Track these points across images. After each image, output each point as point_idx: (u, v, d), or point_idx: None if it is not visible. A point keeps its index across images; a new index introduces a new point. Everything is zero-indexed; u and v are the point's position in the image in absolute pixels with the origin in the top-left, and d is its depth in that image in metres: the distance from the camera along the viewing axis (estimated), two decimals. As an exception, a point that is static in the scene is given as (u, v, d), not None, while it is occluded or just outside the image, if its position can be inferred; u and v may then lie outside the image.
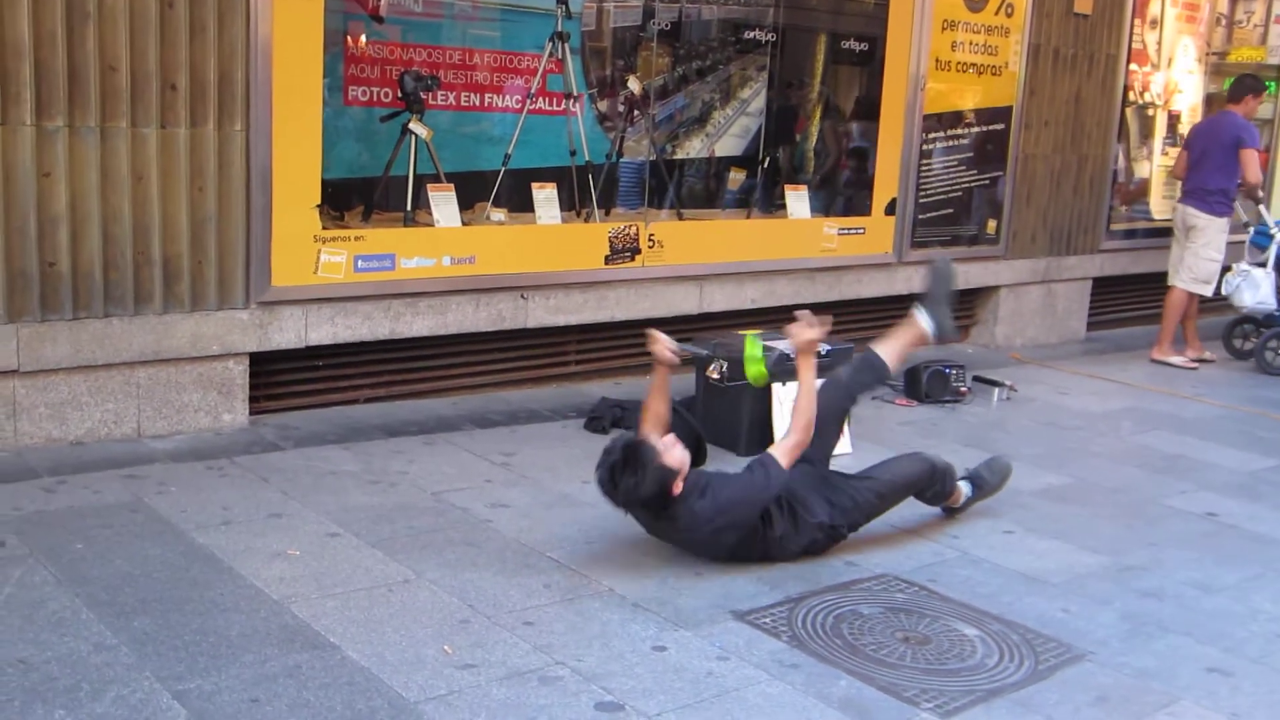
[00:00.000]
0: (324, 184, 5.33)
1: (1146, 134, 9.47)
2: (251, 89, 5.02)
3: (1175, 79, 9.57)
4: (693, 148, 6.97)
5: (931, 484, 4.54)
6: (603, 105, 6.49)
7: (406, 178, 5.76)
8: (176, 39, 4.82)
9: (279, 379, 5.53)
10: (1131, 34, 8.87)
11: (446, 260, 5.74)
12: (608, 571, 4.01)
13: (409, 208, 5.78)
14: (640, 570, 4.04)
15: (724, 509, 4.00)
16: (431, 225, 5.75)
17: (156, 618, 3.42)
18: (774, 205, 7.27)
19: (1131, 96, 9.11)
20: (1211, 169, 8.13)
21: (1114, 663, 3.63)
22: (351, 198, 5.67)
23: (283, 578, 3.76)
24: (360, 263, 5.46)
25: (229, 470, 4.74)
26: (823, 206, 7.45)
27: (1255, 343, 8.38)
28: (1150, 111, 9.43)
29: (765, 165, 7.24)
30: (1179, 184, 8.54)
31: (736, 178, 7.19)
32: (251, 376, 5.31)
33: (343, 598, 3.65)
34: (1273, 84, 10.63)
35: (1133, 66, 9.01)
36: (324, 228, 5.34)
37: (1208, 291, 8.26)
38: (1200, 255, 8.18)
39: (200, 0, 4.85)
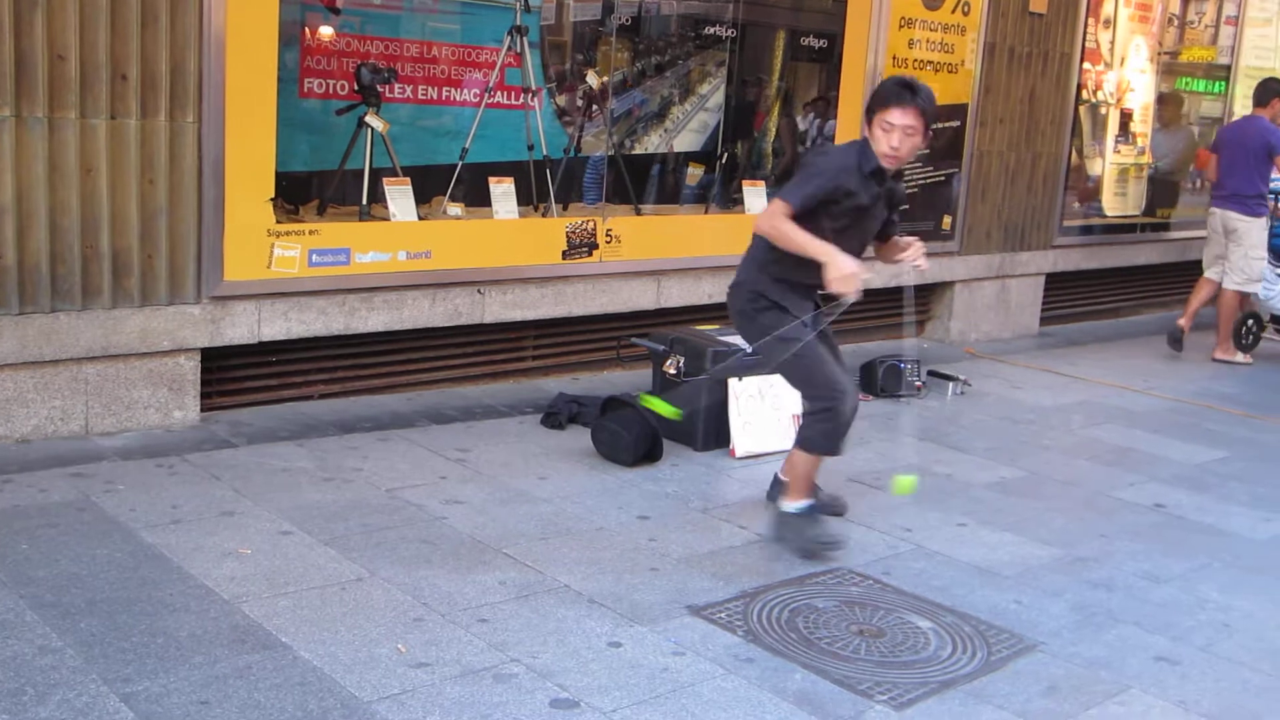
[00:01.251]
0: (278, 177, 5.27)
1: (1099, 132, 9.56)
2: (204, 80, 4.96)
3: (1128, 78, 9.68)
4: (651, 143, 6.96)
5: (818, 400, 4.26)
6: (561, 100, 6.47)
7: (362, 171, 5.72)
8: (127, 28, 4.75)
9: (231, 375, 5.47)
10: (1085, 33, 8.95)
11: (402, 255, 5.70)
12: (563, 568, 4.00)
13: (365, 202, 5.74)
14: (596, 566, 4.03)
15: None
16: (387, 219, 5.71)
17: (104, 619, 3.37)
18: (732, 201, 7.28)
19: (1085, 95, 9.20)
20: (1244, 175, 8.34)
21: (1065, 653, 3.66)
22: (306, 191, 5.63)
23: (234, 577, 3.72)
24: (314, 257, 5.42)
25: (179, 468, 4.68)
26: (780, 202, 7.45)
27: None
28: (1103, 110, 9.52)
29: (723, 161, 7.25)
30: (1210, 186, 8.75)
31: (695, 173, 7.19)
32: (203, 372, 5.25)
33: (295, 597, 3.62)
34: (1222, 84, 10.78)
35: (1086, 65, 9.09)
36: (278, 221, 5.29)
37: (1257, 289, 8.51)
38: (1250, 256, 8.40)
39: (151, -10, 4.80)
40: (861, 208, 4.24)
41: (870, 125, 4.22)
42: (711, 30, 7.04)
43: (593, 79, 6.53)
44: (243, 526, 4.13)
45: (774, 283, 4.32)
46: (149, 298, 4.98)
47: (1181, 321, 8.63)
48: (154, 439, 4.99)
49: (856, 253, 4.25)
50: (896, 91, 4.14)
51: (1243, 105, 10.79)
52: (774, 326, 4.28)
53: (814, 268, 4.14)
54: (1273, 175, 8.46)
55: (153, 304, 4.99)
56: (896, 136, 4.12)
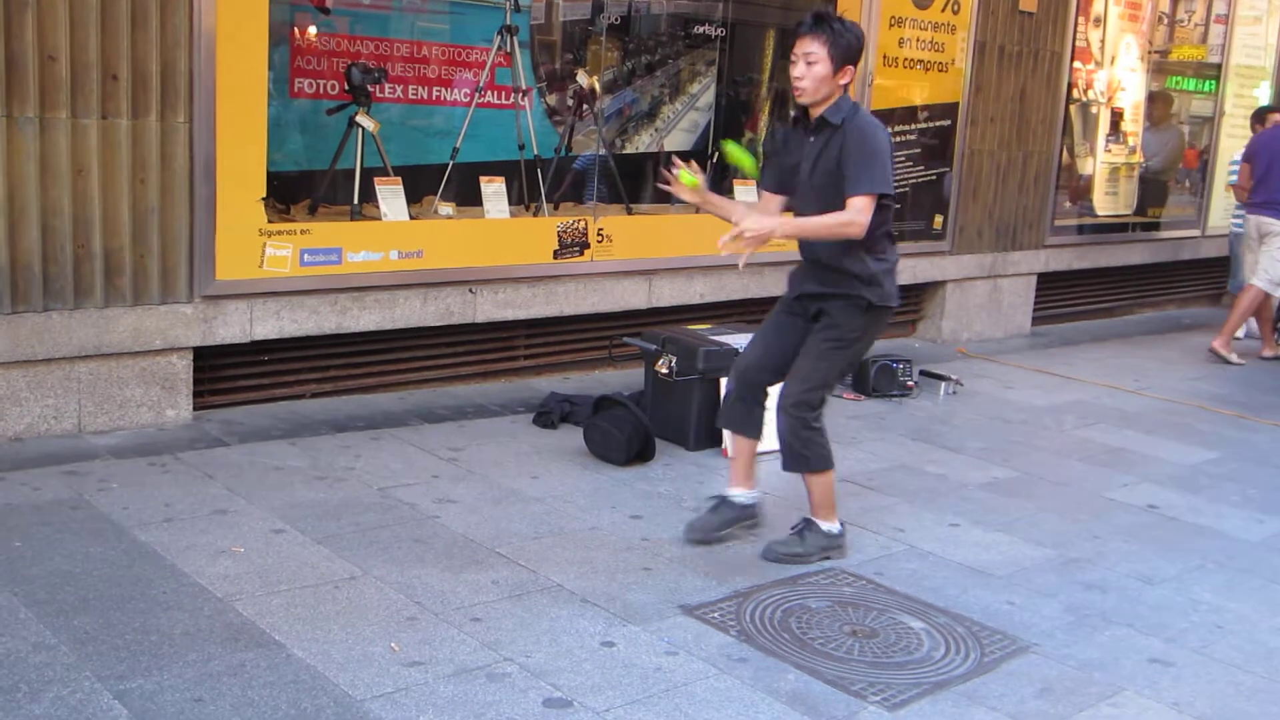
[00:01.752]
0: (269, 177, 5.27)
1: (1090, 131, 9.59)
2: (195, 80, 4.95)
3: (1118, 76, 9.70)
4: (642, 142, 6.96)
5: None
6: (552, 99, 6.47)
7: (353, 171, 5.72)
8: (118, 29, 4.74)
9: (224, 374, 5.46)
10: (1075, 32, 8.97)
11: (394, 254, 5.70)
12: (556, 567, 4.00)
13: (356, 201, 5.73)
14: (589, 565, 4.03)
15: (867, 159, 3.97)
16: (379, 219, 5.71)
17: (97, 616, 3.37)
18: (723, 200, 7.26)
19: (1075, 94, 9.22)
20: (1279, 181, 8.46)
21: (1058, 654, 3.67)
22: (298, 191, 5.62)
23: (227, 575, 3.71)
24: (306, 256, 5.41)
25: (172, 466, 4.67)
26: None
27: None
28: (1094, 109, 9.54)
29: (715, 160, 7.25)
30: (1244, 194, 8.85)
31: (686, 172, 7.18)
32: (196, 371, 5.24)
33: (288, 595, 3.61)
34: (1213, 83, 10.81)
35: (1076, 64, 9.12)
36: (269, 221, 5.28)
37: (1278, 293, 8.61)
38: (1276, 258, 8.48)
39: (142, -10, 4.79)
40: (794, 166, 4.19)
41: None
42: (701, 29, 7.04)
43: (583, 78, 6.53)
44: (236, 525, 4.12)
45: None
46: (141, 297, 4.97)
47: (1266, 352, 8.79)
48: (147, 437, 4.98)
49: (818, 213, 4.06)
50: (800, 24, 4.09)
51: (1233, 104, 10.85)
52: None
53: (804, 245, 4.23)
54: None
55: (145, 303, 4.98)
56: (799, 66, 4.05)
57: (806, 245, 4.22)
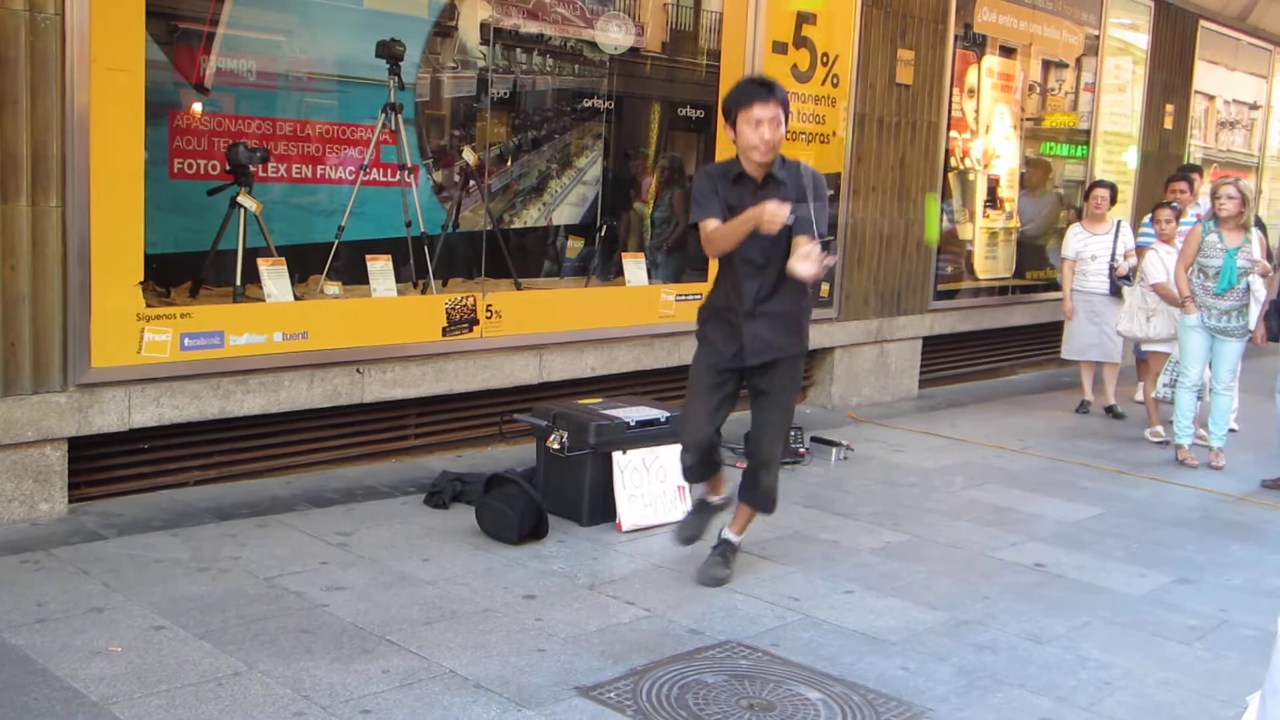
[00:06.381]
0: (148, 259, 5.15)
1: (968, 197, 9.86)
2: (68, 163, 4.84)
3: (993, 144, 10.02)
4: (530, 217, 6.97)
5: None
6: (438, 176, 6.46)
7: (236, 252, 5.62)
8: (-15, 112, 4.63)
9: (101, 464, 5.28)
10: (951, 103, 9.26)
11: (278, 336, 5.60)
12: (448, 652, 3.92)
13: (239, 282, 5.63)
14: (482, 649, 3.96)
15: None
16: (262, 300, 5.61)
17: (-39, 728, 3.21)
18: (612, 273, 7.31)
19: (953, 162, 9.49)
20: None
21: (953, 718, 3.69)
22: (178, 273, 5.50)
23: (103, 677, 3.56)
24: (187, 341, 5.29)
25: (45, 563, 4.49)
26: (661, 273, 7.53)
27: None
28: (971, 176, 9.83)
29: (603, 233, 7.29)
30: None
31: (574, 246, 7.22)
32: (71, 462, 5.06)
33: (168, 695, 3.48)
34: (1084, 148, 11.23)
35: (953, 133, 9.40)
36: (148, 305, 5.16)
37: None
38: None
39: (10, 72, 4.67)
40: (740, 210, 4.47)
41: (735, 126, 4.47)
42: (588, 103, 7.10)
43: (469, 155, 6.53)
44: (113, 623, 3.97)
45: (705, 309, 4.81)
46: (11, 387, 4.80)
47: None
48: (18, 533, 4.78)
49: (760, 263, 4.51)
50: (755, 90, 4.43)
51: (1103, 169, 11.26)
52: (698, 357, 4.77)
53: (731, 293, 4.58)
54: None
55: (15, 394, 4.81)
56: (767, 128, 4.41)
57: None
